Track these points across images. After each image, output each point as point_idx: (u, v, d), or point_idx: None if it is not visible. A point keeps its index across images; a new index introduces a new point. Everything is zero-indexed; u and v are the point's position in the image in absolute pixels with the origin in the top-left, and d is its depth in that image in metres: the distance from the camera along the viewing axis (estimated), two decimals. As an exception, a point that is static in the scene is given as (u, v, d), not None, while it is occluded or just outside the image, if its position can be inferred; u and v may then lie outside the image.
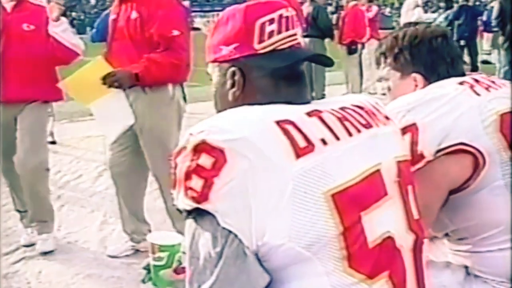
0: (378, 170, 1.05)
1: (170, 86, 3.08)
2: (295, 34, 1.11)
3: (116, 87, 2.96)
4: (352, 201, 0.99)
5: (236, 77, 1.09)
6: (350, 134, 1.04)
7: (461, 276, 1.52)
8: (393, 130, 1.16)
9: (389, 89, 1.62)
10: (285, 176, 0.94)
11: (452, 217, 1.48)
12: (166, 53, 2.98)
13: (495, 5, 8.01)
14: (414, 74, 1.56)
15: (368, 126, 1.09)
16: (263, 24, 1.08)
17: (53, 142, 5.61)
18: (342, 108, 1.08)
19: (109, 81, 2.93)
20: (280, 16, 1.09)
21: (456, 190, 1.43)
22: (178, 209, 0.99)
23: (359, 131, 1.06)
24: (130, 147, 3.16)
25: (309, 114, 1.02)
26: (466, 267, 1.53)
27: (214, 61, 1.13)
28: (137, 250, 3.25)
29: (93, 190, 4.40)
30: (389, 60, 1.60)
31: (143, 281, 1.33)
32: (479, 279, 1.50)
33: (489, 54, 12.39)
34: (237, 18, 1.10)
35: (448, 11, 11.00)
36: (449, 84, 1.48)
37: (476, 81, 1.50)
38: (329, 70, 8.43)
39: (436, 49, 1.56)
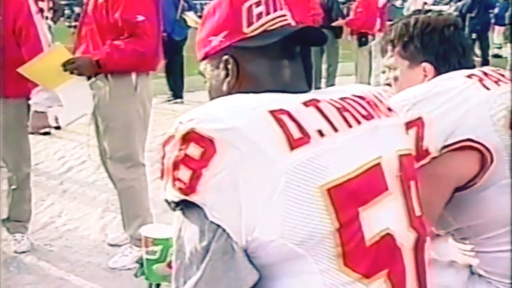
0: (378, 164, 1.00)
1: (133, 76, 2.93)
2: (284, 15, 1.08)
3: (78, 74, 2.85)
4: (350, 196, 0.94)
5: (230, 65, 1.05)
6: (349, 126, 0.99)
7: (465, 276, 1.47)
8: (396, 122, 1.11)
9: (395, 79, 1.56)
10: (278, 169, 0.89)
11: (456, 216, 1.43)
12: (130, 40, 2.84)
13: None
14: (424, 64, 1.49)
15: (369, 117, 1.03)
16: (250, 7, 1.05)
17: (58, 128, 5.58)
18: (342, 98, 1.03)
19: (69, 67, 2.81)
20: (261, 0, 1.06)
21: (462, 188, 1.38)
22: (166, 200, 0.94)
23: (359, 122, 1.01)
24: None
25: (305, 103, 0.97)
26: (471, 266, 1.48)
27: (205, 56, 1.10)
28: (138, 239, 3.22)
29: (95, 177, 4.37)
30: (397, 48, 1.53)
31: (136, 275, 1.30)
32: (483, 279, 1.45)
33: (500, 48, 12.27)
34: (223, 6, 1.07)
35: (459, 3, 10.87)
36: (457, 77, 1.42)
37: (485, 74, 1.44)
38: (340, 61, 8.39)
39: (449, 38, 1.49)
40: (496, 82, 1.42)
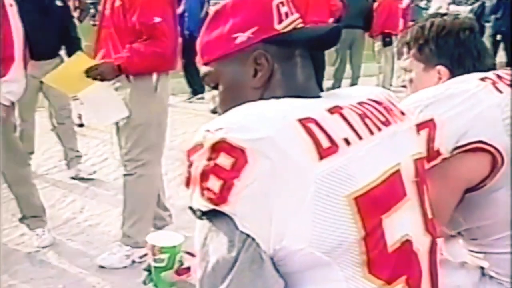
0: (398, 171, 1.01)
1: (154, 77, 2.97)
2: (300, 17, 1.09)
3: (100, 80, 2.90)
4: (374, 204, 0.95)
5: (261, 61, 1.03)
6: (371, 133, 1.00)
7: (476, 277, 1.48)
8: (409, 126, 1.12)
9: (410, 81, 1.58)
10: (307, 178, 0.89)
11: (467, 216, 1.44)
12: (149, 42, 2.87)
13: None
14: (438, 67, 1.51)
15: (387, 123, 1.04)
16: (278, 5, 1.06)
17: (81, 125, 5.68)
18: (361, 104, 1.04)
19: (92, 74, 2.87)
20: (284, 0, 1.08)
21: (472, 189, 1.39)
22: (190, 208, 0.94)
23: (379, 129, 1.02)
24: None
25: (330, 111, 0.97)
26: (482, 267, 1.49)
27: (225, 55, 1.06)
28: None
29: (117, 173, 4.42)
30: (413, 50, 1.55)
31: (144, 283, 1.31)
32: (494, 280, 1.46)
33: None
34: (249, 2, 1.06)
35: (475, 5, 10.76)
36: (471, 80, 1.43)
37: (499, 77, 1.45)
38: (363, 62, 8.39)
39: (464, 41, 1.51)
40: (509, 86, 1.43)
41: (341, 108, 0.99)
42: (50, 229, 3.33)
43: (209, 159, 0.89)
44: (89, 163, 4.77)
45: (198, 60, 1.11)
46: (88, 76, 2.87)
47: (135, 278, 2.84)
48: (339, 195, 0.91)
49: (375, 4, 8.75)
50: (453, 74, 1.49)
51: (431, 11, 10.16)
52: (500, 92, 1.40)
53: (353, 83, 7.96)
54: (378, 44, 8.56)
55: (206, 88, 7.39)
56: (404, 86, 1.62)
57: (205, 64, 1.10)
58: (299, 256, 0.91)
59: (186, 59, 6.36)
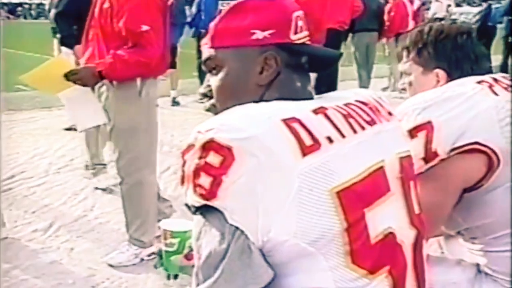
0: (381, 167, 1.07)
1: (138, 81, 2.90)
2: (308, 35, 1.17)
3: (80, 85, 2.83)
4: (356, 197, 1.01)
5: (270, 62, 1.10)
6: (354, 131, 1.05)
7: (472, 274, 1.52)
8: (396, 126, 1.18)
9: (410, 84, 1.62)
10: (291, 174, 0.95)
11: (465, 216, 1.48)
12: (134, 50, 2.78)
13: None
14: (436, 70, 1.55)
15: (372, 122, 1.10)
16: (297, 18, 1.13)
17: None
18: (347, 104, 1.10)
19: (72, 78, 2.79)
20: (301, 15, 1.15)
21: (470, 189, 1.43)
22: (186, 204, 1.01)
23: (363, 128, 1.07)
24: None
25: (315, 111, 1.04)
26: (478, 265, 1.53)
27: (242, 44, 1.11)
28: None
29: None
30: (412, 54, 1.60)
31: (155, 267, 1.37)
32: (490, 277, 1.50)
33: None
34: (275, 6, 1.13)
35: (481, 7, 10.74)
36: (468, 83, 1.47)
37: (496, 80, 1.49)
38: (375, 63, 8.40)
39: (462, 46, 1.55)
40: (505, 89, 1.47)
41: (325, 109, 1.05)
42: (62, 226, 3.39)
43: (200, 157, 0.96)
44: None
45: (206, 42, 1.15)
46: (68, 80, 2.81)
47: (144, 274, 2.91)
48: (322, 189, 0.97)
49: (387, 7, 8.78)
50: (451, 77, 1.54)
51: (430, 14, 10.17)
52: (496, 95, 1.44)
53: (362, 86, 7.97)
54: (389, 45, 8.57)
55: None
56: (404, 89, 1.66)
57: (214, 48, 1.14)
58: (286, 247, 0.96)
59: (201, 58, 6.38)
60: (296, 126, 0.99)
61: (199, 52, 5.49)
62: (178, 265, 1.32)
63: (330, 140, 1.01)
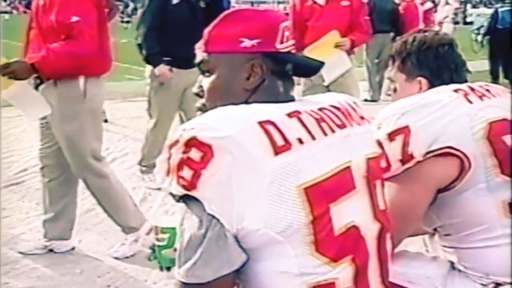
0: (348, 167, 1.17)
1: (81, 81, 2.92)
2: (294, 43, 1.28)
3: (14, 79, 2.82)
4: (322, 194, 1.11)
5: (256, 69, 1.20)
6: (325, 134, 1.16)
7: (445, 270, 1.62)
8: (367, 129, 1.28)
9: (394, 90, 1.73)
10: (264, 171, 1.06)
11: (439, 214, 1.59)
12: (66, 42, 2.78)
13: None
14: (419, 78, 1.66)
15: (342, 126, 1.21)
16: (284, 28, 1.24)
17: (105, 121, 5.89)
18: (321, 109, 1.21)
19: (5, 71, 2.79)
20: (289, 26, 1.26)
21: (444, 190, 1.54)
22: (171, 193, 1.12)
23: (333, 131, 1.18)
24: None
25: (289, 115, 1.14)
26: (452, 262, 1.64)
27: (230, 51, 1.21)
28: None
29: (136, 168, 4.63)
30: (397, 62, 1.71)
31: (149, 259, 1.49)
32: (462, 273, 1.60)
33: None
34: (260, 18, 1.23)
35: (492, 10, 10.75)
36: (445, 91, 1.58)
37: (472, 89, 1.60)
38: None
39: (443, 56, 1.66)
40: (480, 97, 1.58)
41: (299, 112, 1.16)
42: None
43: (184, 152, 1.07)
44: (111, 158, 4.97)
45: (199, 46, 1.25)
46: (3, 75, 2.82)
47: (148, 267, 3.03)
48: (291, 185, 1.08)
49: (400, 8, 8.83)
50: (432, 84, 1.64)
51: (438, 17, 10.19)
52: (471, 103, 1.55)
53: (373, 87, 8.04)
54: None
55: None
56: (389, 95, 1.77)
57: (207, 52, 1.24)
58: (257, 235, 1.07)
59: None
60: (270, 128, 1.09)
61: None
62: (169, 258, 1.43)
63: (300, 141, 1.11)
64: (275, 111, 1.14)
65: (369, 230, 1.21)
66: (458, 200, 1.54)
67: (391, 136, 1.51)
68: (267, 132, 1.09)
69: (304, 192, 1.09)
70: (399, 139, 1.51)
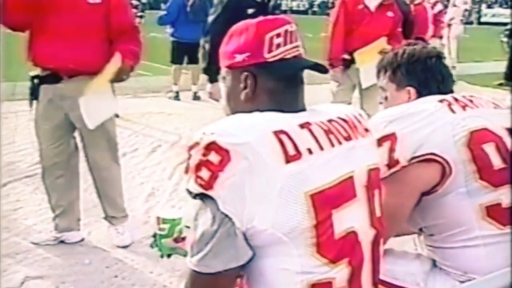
0: (351, 177, 1.28)
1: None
2: (298, 46, 1.33)
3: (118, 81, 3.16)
4: (326, 200, 1.21)
5: (249, 81, 1.30)
6: (332, 145, 1.26)
7: (428, 267, 1.75)
8: (370, 141, 1.39)
9: (385, 98, 1.86)
10: (275, 177, 1.16)
11: (423, 216, 1.71)
12: (132, 43, 3.16)
13: None
14: (408, 88, 1.79)
15: (348, 138, 1.30)
16: (271, 38, 1.30)
17: (116, 116, 6.02)
18: (329, 121, 1.30)
19: (117, 79, 3.15)
20: (286, 31, 1.31)
21: (427, 193, 1.65)
22: (187, 190, 1.21)
23: (340, 143, 1.28)
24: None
25: (301, 125, 1.24)
26: (434, 260, 1.76)
27: (229, 66, 1.34)
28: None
29: (145, 163, 4.77)
30: (388, 73, 1.83)
31: (151, 246, 1.62)
32: (443, 271, 1.73)
33: None
34: (249, 31, 1.31)
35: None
36: (430, 101, 1.69)
37: (456, 99, 1.71)
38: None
39: (430, 67, 1.78)
40: (463, 107, 1.69)
41: (310, 124, 1.26)
42: (82, 212, 3.66)
43: (203, 155, 1.17)
44: (121, 152, 5.10)
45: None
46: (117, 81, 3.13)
47: (154, 258, 3.17)
48: (299, 192, 1.18)
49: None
50: (420, 94, 1.77)
51: (447, 19, 10.21)
52: (454, 112, 1.66)
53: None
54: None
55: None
56: (381, 103, 1.90)
57: (223, 67, 1.37)
58: (265, 234, 1.17)
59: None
60: (284, 137, 1.19)
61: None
62: (169, 246, 1.57)
63: (310, 151, 1.21)
64: (288, 122, 1.23)
65: (366, 235, 1.31)
66: (440, 203, 1.65)
67: (379, 142, 1.62)
68: (280, 141, 1.18)
69: (310, 198, 1.19)
70: (386, 145, 1.62)
